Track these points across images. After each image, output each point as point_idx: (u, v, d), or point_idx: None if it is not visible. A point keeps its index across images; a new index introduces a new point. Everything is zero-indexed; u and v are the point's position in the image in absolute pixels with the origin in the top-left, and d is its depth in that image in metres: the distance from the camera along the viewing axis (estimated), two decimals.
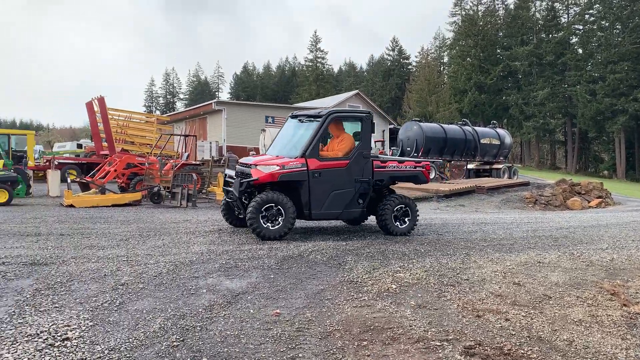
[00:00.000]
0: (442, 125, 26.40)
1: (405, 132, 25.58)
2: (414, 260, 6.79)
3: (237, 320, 4.28)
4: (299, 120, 9.22)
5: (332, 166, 8.42)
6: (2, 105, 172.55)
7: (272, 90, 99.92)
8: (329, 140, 9.19)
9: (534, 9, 62.26)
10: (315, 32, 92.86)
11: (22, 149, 23.30)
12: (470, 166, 27.65)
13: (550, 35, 58.94)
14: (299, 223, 9.98)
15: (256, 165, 8.39)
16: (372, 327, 4.32)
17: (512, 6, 64.63)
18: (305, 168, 8.18)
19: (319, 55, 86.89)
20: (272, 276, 5.71)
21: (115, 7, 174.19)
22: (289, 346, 3.82)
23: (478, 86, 60.27)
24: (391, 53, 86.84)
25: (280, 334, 4.03)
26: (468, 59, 62.79)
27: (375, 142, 31.70)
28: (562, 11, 60.13)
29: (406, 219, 9.07)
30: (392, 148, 32.19)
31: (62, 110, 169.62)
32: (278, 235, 8.03)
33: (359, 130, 8.89)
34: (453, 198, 18.81)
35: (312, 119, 8.79)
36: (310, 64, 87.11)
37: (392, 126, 42.18)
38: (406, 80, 75.64)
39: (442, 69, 78.68)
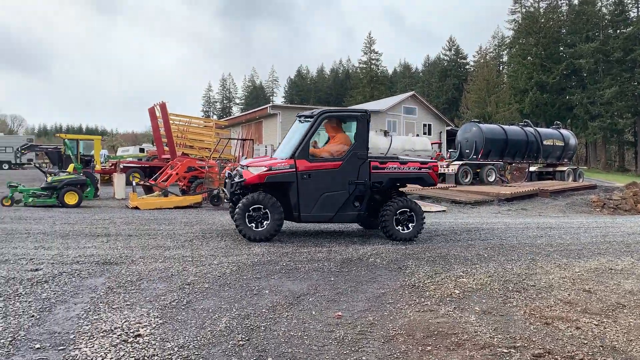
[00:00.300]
0: (503, 126, 25.64)
1: (463, 133, 25.03)
2: (477, 265, 6.63)
3: (299, 322, 4.32)
4: (299, 120, 9.03)
5: (323, 167, 8.19)
6: (70, 112, 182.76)
7: (325, 93, 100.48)
8: (327, 141, 8.99)
9: (600, 3, 59.47)
10: (370, 34, 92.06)
11: (89, 153, 24.54)
12: (532, 168, 26.67)
13: (618, 31, 56.06)
14: (354, 227, 9.96)
15: (248, 166, 8.38)
16: (435, 332, 4.24)
17: (576, 2, 61.99)
18: (294, 169, 8.04)
19: (373, 57, 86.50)
20: (332, 279, 5.73)
21: (174, 16, 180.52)
22: (352, 349, 3.81)
23: (540, 85, 58.07)
24: (448, 53, 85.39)
25: (343, 337, 4.03)
26: (529, 57, 60.61)
27: (432, 144, 31.16)
28: (630, 5, 57.07)
29: (410, 224, 8.48)
30: (449, 150, 31.55)
31: (124, 116, 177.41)
32: (264, 237, 7.93)
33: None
34: (515, 202, 18.19)
35: (308, 119, 8.55)
36: (364, 66, 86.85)
37: (449, 128, 41.30)
38: (464, 80, 74.10)
39: (501, 68, 76.56)
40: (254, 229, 7.94)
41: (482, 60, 68.63)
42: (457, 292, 5.40)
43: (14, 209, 12.89)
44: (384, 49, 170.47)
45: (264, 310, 4.55)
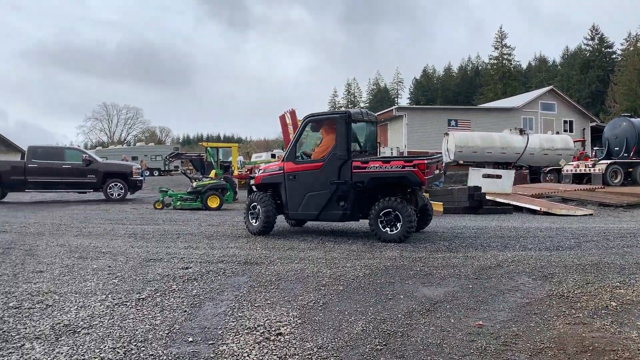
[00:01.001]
0: None
1: (612, 129, 22.67)
2: (636, 275, 5.90)
3: (437, 329, 4.16)
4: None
5: (306, 169, 8.68)
6: (209, 122, 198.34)
7: (453, 92, 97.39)
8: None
9: None
10: (501, 28, 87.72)
11: (227, 159, 26.32)
12: None
13: None
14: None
15: (261, 169, 9.57)
16: (590, 348, 3.83)
17: None
18: (282, 171, 8.84)
19: (504, 52, 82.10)
20: (470, 286, 5.47)
21: (299, 25, 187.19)
22: None
23: None
24: (590, 43, 78.09)
25: (485, 347, 3.81)
26: None
27: (574, 141, 28.68)
28: None
29: (398, 224, 8.07)
30: (594, 148, 28.77)
31: (256, 124, 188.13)
32: (256, 231, 9.05)
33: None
34: None
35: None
36: (495, 61, 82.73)
37: (594, 124, 37.72)
38: (609, 71, 67.21)
39: None
40: (253, 224, 9.18)
41: (631, 48, 61.60)
42: (614, 304, 4.84)
43: (164, 212, 14.25)
44: (517, 42, 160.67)
45: (399, 315, 4.47)
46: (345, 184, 8.33)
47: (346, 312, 4.53)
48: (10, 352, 3.45)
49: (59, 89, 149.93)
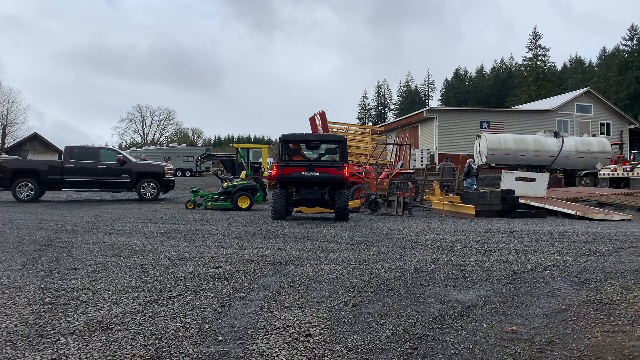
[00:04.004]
0: None
1: None
2: None
3: (469, 334, 4.07)
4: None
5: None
6: (240, 123, 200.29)
7: (485, 94, 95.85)
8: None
9: None
10: (535, 29, 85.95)
11: (257, 160, 26.50)
12: None
13: None
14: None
15: None
16: (630, 357, 3.68)
17: None
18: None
19: (539, 53, 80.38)
20: (503, 290, 5.34)
21: (326, 26, 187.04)
22: None
23: None
24: (629, 43, 75.61)
25: (520, 353, 3.70)
26: None
27: (612, 144, 27.87)
28: None
29: None
30: (633, 152, 27.87)
31: (285, 125, 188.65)
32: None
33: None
34: None
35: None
36: (529, 62, 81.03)
37: (632, 126, 36.60)
38: None
39: None
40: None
41: None
42: None
43: (196, 212, 14.42)
44: (551, 42, 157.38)
45: (430, 319, 4.39)
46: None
47: (376, 315, 4.48)
48: (46, 347, 3.53)
49: (93, 91, 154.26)
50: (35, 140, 57.42)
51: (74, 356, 3.36)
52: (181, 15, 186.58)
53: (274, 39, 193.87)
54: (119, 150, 21.52)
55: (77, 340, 3.66)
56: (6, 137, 60.24)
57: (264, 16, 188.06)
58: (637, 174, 20.43)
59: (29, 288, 5.10)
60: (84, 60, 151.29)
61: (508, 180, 16.87)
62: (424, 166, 28.31)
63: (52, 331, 3.85)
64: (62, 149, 19.61)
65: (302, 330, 4.05)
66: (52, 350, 3.46)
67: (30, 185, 17.51)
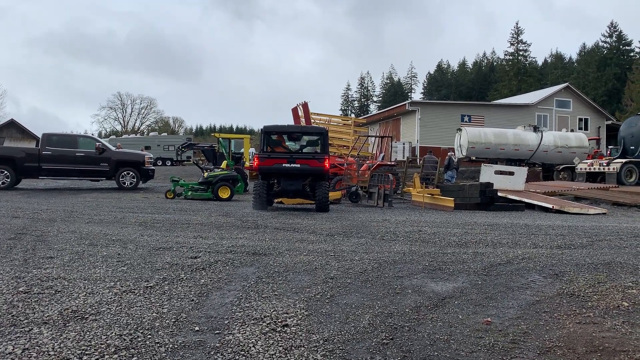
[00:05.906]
0: None
1: (627, 128, 22.37)
2: None
3: (445, 325, 4.13)
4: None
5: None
6: (221, 113, 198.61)
7: (467, 88, 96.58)
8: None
9: None
10: (517, 24, 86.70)
11: (239, 151, 26.33)
12: None
13: None
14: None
15: None
16: (600, 348, 3.77)
17: None
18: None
19: (520, 48, 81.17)
20: (479, 282, 5.42)
21: (307, 17, 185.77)
22: (504, 358, 3.54)
23: None
24: (608, 40, 76.88)
25: (493, 344, 3.76)
26: None
27: (589, 140, 28.36)
28: None
29: None
30: (609, 147, 28.39)
31: (268, 116, 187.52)
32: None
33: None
34: None
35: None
36: (511, 57, 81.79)
37: (609, 122, 37.25)
38: (627, 69, 66.23)
39: None
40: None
41: None
42: (626, 304, 4.77)
43: (175, 201, 14.31)
44: (532, 37, 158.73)
45: (407, 310, 4.44)
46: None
47: (353, 305, 4.51)
48: (18, 336, 3.47)
49: (71, 78, 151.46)
50: (12, 127, 56.17)
51: (47, 346, 3.32)
52: (161, 3, 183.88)
53: (255, 29, 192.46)
54: (98, 139, 21.20)
55: (51, 330, 3.61)
56: None
57: (245, 5, 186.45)
58: (613, 169, 20.84)
59: (2, 277, 5.01)
60: (62, 47, 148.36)
61: (487, 174, 17.05)
62: (405, 158, 28.45)
63: (26, 320, 3.80)
64: (40, 136, 19.22)
65: (280, 320, 4.06)
66: (25, 339, 3.42)
67: (6, 172, 17.18)
